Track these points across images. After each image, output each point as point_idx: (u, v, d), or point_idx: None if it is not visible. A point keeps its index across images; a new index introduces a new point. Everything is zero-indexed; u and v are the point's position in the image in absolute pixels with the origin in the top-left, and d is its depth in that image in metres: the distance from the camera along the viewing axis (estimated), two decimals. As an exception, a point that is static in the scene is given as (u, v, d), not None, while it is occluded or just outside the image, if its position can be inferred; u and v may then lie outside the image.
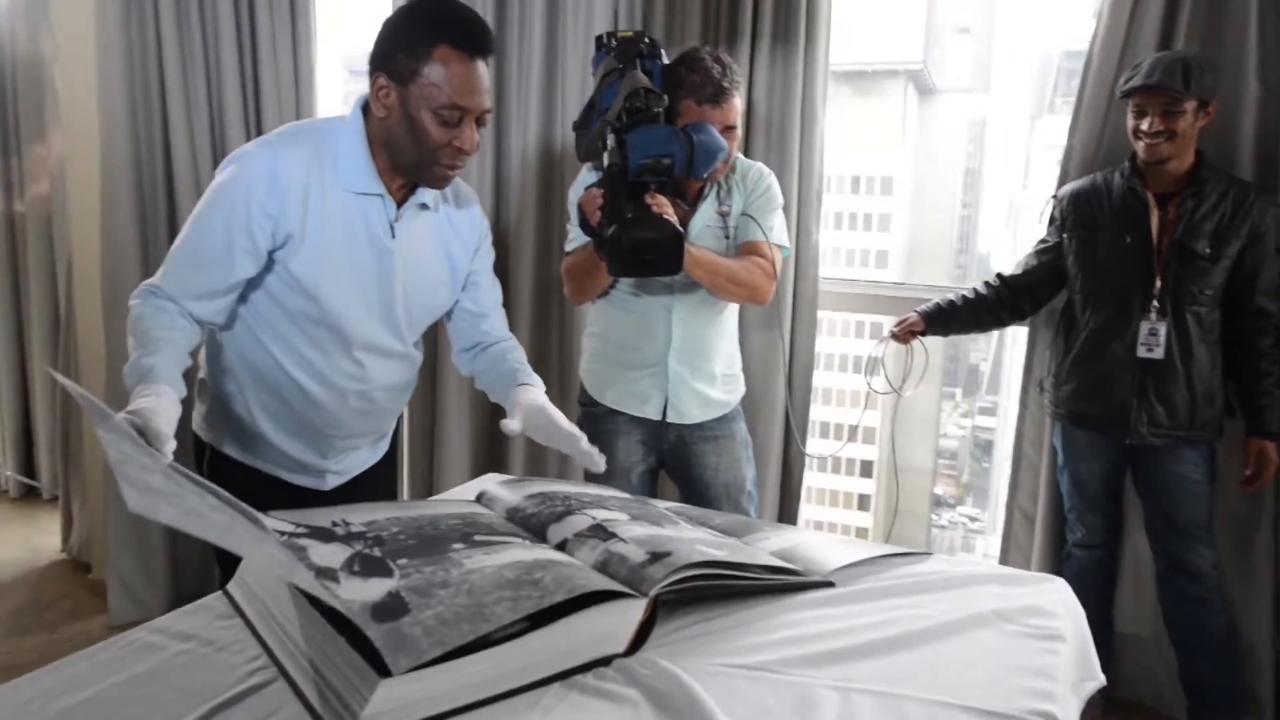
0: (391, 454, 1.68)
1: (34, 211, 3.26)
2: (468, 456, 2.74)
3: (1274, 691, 2.21)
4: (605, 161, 1.68)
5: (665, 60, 1.82)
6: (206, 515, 0.90)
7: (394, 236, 1.40)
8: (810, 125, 2.34)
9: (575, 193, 1.91)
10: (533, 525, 1.31)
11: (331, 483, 1.55)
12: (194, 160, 2.69)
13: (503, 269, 2.68)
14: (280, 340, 1.41)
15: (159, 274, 1.34)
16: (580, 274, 1.89)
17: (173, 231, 2.68)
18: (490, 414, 2.76)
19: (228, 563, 1.24)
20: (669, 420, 1.99)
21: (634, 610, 1.07)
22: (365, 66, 1.35)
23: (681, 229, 1.64)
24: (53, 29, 2.85)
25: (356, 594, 1.02)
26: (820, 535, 1.54)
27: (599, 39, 1.81)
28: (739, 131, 1.88)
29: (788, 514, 2.47)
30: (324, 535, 1.18)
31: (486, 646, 0.97)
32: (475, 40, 1.31)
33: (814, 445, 2.55)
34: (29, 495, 3.73)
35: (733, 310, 2.04)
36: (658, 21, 2.42)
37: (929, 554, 1.46)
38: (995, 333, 2.47)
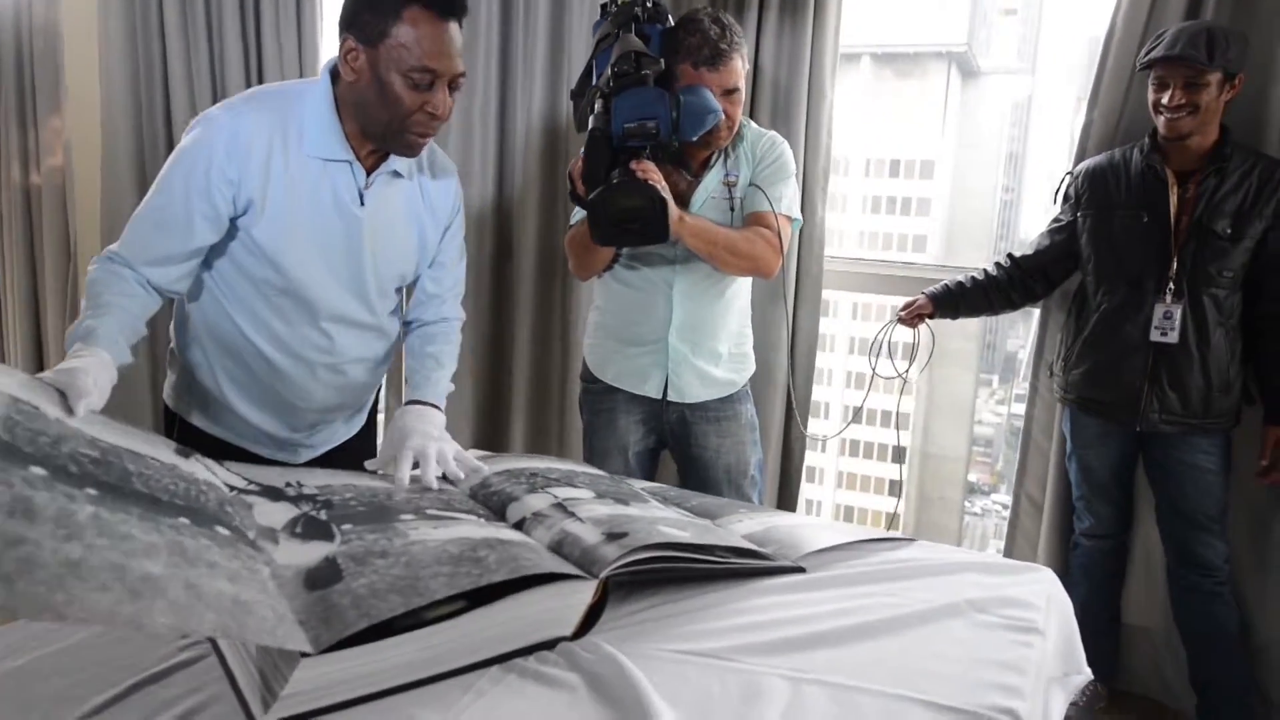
0: (368, 428, 1.66)
1: (49, 183, 3.27)
2: (468, 431, 2.72)
3: (1289, 691, 2.12)
4: (588, 126, 1.64)
5: (672, 24, 1.77)
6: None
7: (363, 204, 1.37)
8: (818, 101, 2.27)
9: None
10: (494, 503, 1.27)
11: (303, 457, 1.53)
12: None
13: (506, 243, 2.67)
14: (246, 310, 1.38)
15: (120, 240, 1.32)
16: (580, 248, 1.83)
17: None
18: (493, 389, 2.74)
19: None
20: (669, 399, 1.93)
21: (582, 592, 1.04)
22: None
23: (664, 195, 1.58)
24: (57, 8, 2.85)
25: (293, 558, 0.99)
26: (801, 519, 1.50)
27: (603, 5, 1.76)
28: (742, 95, 1.79)
29: (787, 497, 2.42)
30: (274, 494, 1.16)
31: (421, 626, 0.94)
32: (446, 1, 1.27)
33: (825, 427, 2.48)
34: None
35: (742, 286, 1.95)
36: (665, -11, 2.36)
37: (912, 540, 1.41)
38: (1034, 319, 2.36)
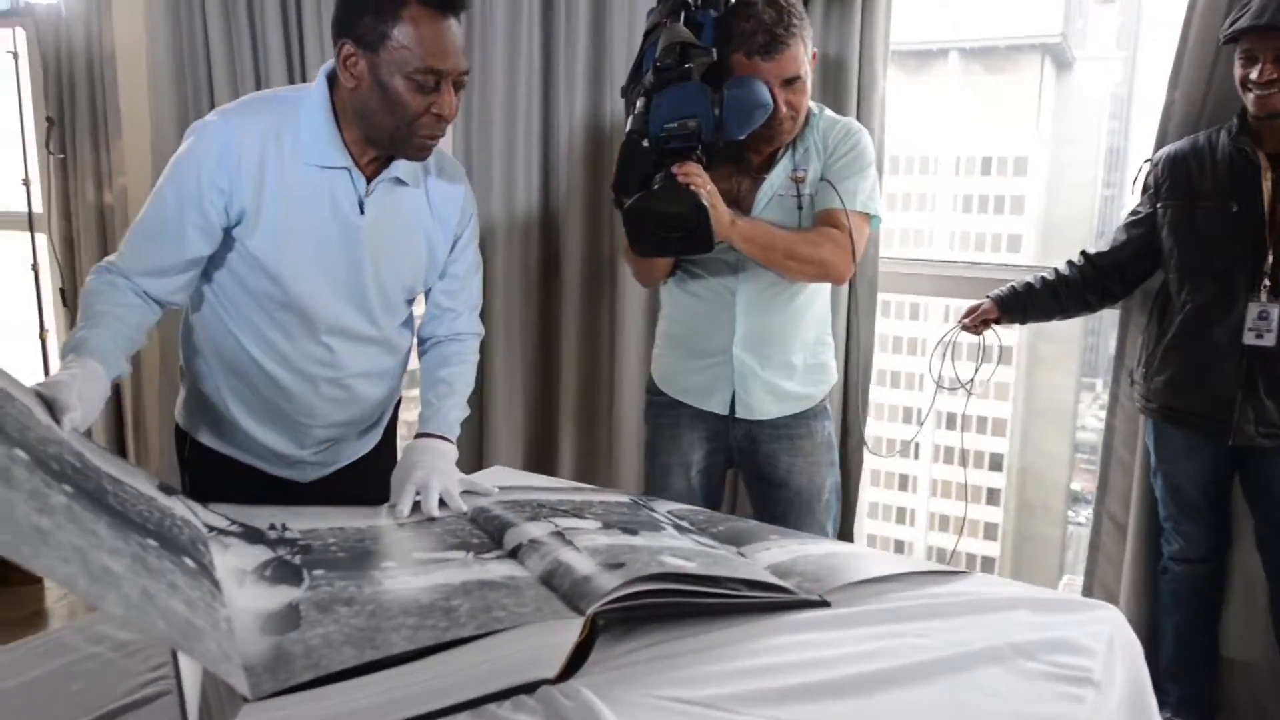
0: (387, 444, 1.60)
1: (119, 202, 3.38)
2: (519, 449, 2.66)
3: None
4: (627, 127, 1.55)
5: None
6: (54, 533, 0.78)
7: (363, 213, 1.31)
8: (868, 95, 2.13)
9: None
10: (492, 528, 1.20)
11: (312, 475, 1.49)
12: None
13: (551, 250, 2.61)
14: (245, 323, 1.35)
15: (117, 250, 1.30)
16: (634, 255, 1.71)
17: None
18: (542, 406, 2.67)
19: None
20: (737, 415, 1.79)
21: (568, 630, 0.95)
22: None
23: (705, 202, 1.46)
24: (113, 30, 2.93)
25: (255, 601, 0.94)
26: (839, 547, 1.36)
27: None
28: (807, 82, 1.62)
29: (844, 517, 2.28)
30: (253, 536, 1.11)
31: (386, 667, 0.87)
32: None
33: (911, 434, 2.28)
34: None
35: (818, 290, 1.79)
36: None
37: (965, 573, 1.27)
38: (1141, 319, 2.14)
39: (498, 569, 1.06)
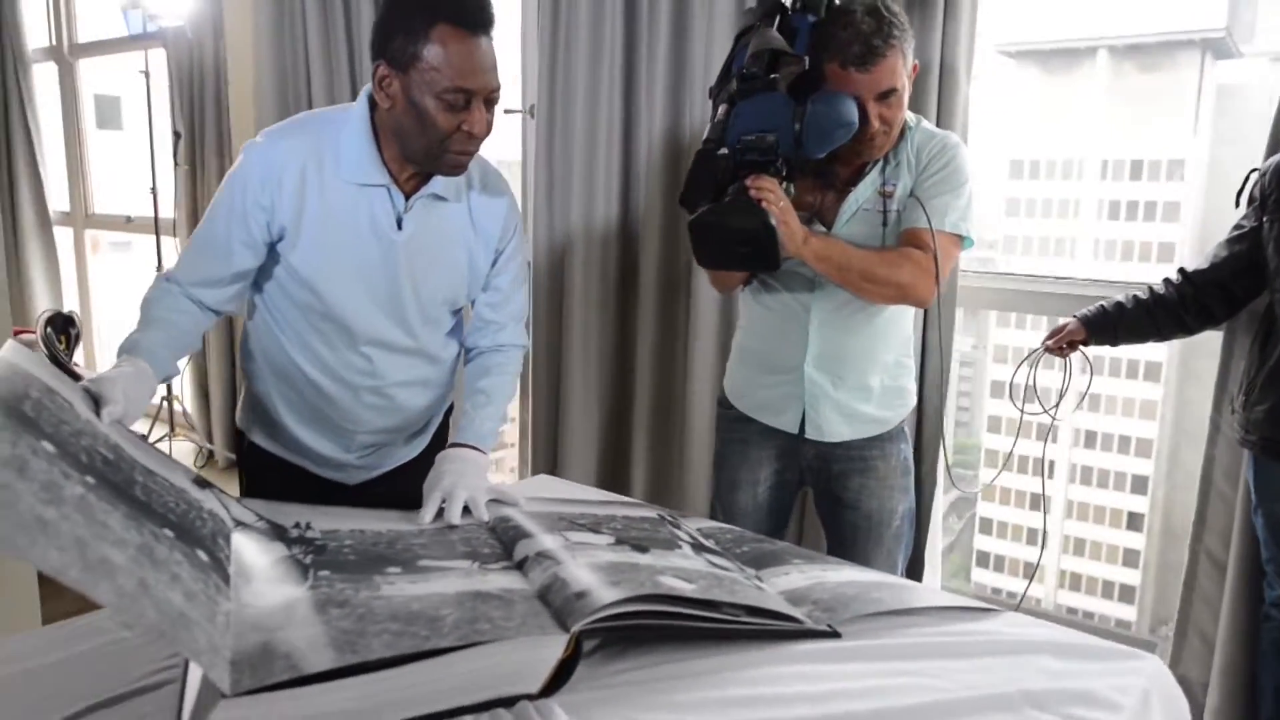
0: (434, 450, 1.64)
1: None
2: (594, 462, 2.68)
3: None
4: (704, 135, 1.52)
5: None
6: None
7: (401, 229, 1.36)
8: (950, 99, 2.04)
9: None
10: (507, 539, 1.22)
11: (358, 478, 1.54)
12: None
13: (629, 260, 2.62)
14: (291, 332, 1.41)
15: (175, 261, 1.40)
16: None
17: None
18: (616, 416, 2.69)
19: None
20: (807, 436, 1.74)
21: (553, 648, 0.95)
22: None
23: (773, 221, 1.42)
24: (226, 42, 3.12)
25: (258, 599, 0.98)
26: (864, 575, 1.30)
27: None
28: (904, 95, 1.56)
29: (916, 542, 2.18)
30: (275, 533, 1.16)
31: (370, 671, 0.90)
32: (473, 14, 1.23)
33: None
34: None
35: (901, 312, 1.73)
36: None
37: (998, 610, 1.20)
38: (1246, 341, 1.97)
39: (498, 580, 1.08)
